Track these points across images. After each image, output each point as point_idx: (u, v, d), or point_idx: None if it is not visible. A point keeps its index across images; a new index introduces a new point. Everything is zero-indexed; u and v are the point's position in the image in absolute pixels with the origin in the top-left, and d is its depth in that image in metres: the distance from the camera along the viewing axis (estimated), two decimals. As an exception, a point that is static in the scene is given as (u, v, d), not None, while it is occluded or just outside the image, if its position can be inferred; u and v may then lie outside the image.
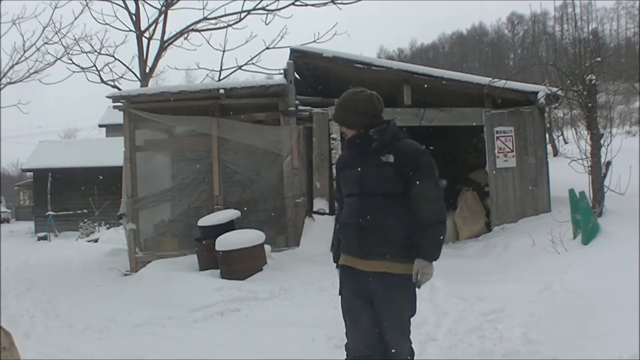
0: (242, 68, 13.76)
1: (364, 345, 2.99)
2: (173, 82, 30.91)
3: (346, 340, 3.09)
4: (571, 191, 6.95)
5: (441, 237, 2.87)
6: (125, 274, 8.89)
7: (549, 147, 15.38)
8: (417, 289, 2.92)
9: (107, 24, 13.82)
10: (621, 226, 6.54)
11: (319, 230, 8.58)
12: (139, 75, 13.29)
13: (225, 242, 7.62)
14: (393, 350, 2.93)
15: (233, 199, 9.28)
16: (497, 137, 9.74)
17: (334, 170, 3.28)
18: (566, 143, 22.50)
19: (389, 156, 2.88)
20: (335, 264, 3.18)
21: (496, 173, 9.74)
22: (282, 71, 9.65)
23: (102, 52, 14.18)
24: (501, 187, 9.75)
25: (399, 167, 2.85)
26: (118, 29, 13.94)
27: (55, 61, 15.46)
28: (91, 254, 11.99)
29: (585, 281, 5.15)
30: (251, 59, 13.65)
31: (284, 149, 9.24)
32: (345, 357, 3.12)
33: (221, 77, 13.71)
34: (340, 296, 3.10)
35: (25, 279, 9.61)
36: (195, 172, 9.49)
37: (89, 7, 14.12)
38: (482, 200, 10.29)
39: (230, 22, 13.56)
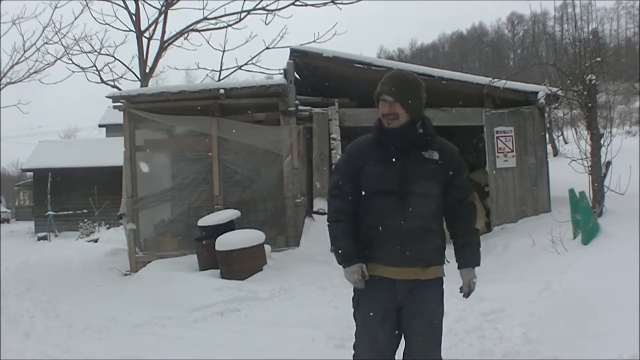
0: (242, 68, 13.77)
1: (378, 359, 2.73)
2: (173, 82, 30.93)
3: (355, 352, 2.80)
4: (571, 191, 6.95)
5: (480, 243, 2.80)
6: (125, 274, 8.89)
7: (549, 147, 15.39)
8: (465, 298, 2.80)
9: (107, 24, 13.85)
10: (621, 226, 6.54)
11: (319, 230, 8.58)
12: (139, 75, 13.30)
13: (225, 242, 7.62)
14: None
15: (233, 199, 9.28)
16: (497, 137, 9.74)
17: (342, 162, 2.80)
18: (566, 143, 22.51)
19: (433, 153, 2.62)
20: (345, 264, 2.68)
21: (496, 173, 9.75)
22: (282, 71, 9.65)
23: (102, 52, 14.20)
24: (501, 187, 9.75)
25: (442, 166, 2.62)
26: (118, 29, 13.96)
27: (55, 61, 15.49)
28: (91, 254, 12.00)
29: (585, 281, 5.14)
30: (251, 59, 13.66)
31: (284, 149, 9.24)
32: None
33: (221, 77, 13.72)
34: (356, 306, 2.75)
35: (25, 279, 9.62)
36: (195, 172, 9.49)
37: (89, 7, 14.14)
38: (482, 200, 10.29)
39: (230, 22, 13.58)
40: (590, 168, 7.79)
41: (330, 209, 2.77)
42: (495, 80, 9.42)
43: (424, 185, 2.59)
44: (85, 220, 20.01)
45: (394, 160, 2.60)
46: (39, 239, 19.18)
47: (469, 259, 2.75)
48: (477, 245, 2.77)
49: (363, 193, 2.66)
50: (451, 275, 2.79)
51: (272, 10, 13.27)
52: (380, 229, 2.62)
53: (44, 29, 15.51)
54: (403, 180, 2.57)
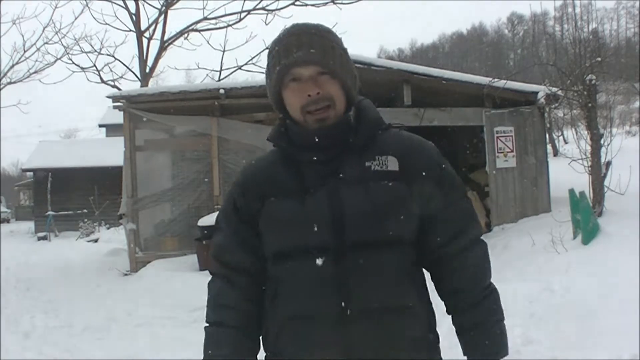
0: (242, 68, 13.80)
1: None
2: (173, 82, 30.95)
3: None
4: (571, 191, 6.95)
5: (502, 313, 1.50)
6: (125, 274, 8.89)
7: (549, 147, 15.40)
8: None
9: (107, 24, 13.90)
10: (621, 226, 6.54)
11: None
12: (139, 75, 13.32)
13: (225, 242, 7.62)
14: None
15: (233, 199, 9.27)
16: (497, 137, 9.74)
17: (225, 207, 1.54)
18: (566, 143, 22.49)
19: (385, 159, 1.40)
20: None
21: (496, 173, 9.75)
22: (282, 71, 9.65)
23: (102, 52, 14.24)
24: (501, 187, 9.75)
25: (408, 179, 1.39)
26: (118, 29, 13.99)
27: (55, 61, 15.54)
28: (91, 254, 12.00)
29: (585, 281, 5.14)
30: (251, 59, 13.70)
31: (284, 149, 9.24)
32: None
33: (221, 77, 13.74)
34: None
35: (25, 279, 9.62)
36: (195, 172, 9.50)
37: (89, 7, 14.17)
38: (482, 200, 10.29)
39: (230, 22, 13.62)
40: (590, 168, 7.79)
41: (209, 296, 1.55)
42: (495, 80, 9.42)
43: (378, 226, 1.35)
44: (85, 220, 20.02)
45: (318, 182, 1.38)
46: (39, 239, 19.19)
47: (482, 349, 1.44)
48: (496, 319, 1.47)
49: (267, 256, 1.44)
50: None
51: (272, 10, 13.30)
52: (303, 322, 1.37)
53: (44, 29, 15.58)
54: (336, 221, 1.35)
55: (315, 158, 1.41)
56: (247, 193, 1.48)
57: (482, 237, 1.51)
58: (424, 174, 1.42)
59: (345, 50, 1.46)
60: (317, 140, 1.41)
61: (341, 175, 1.39)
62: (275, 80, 1.43)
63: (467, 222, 1.47)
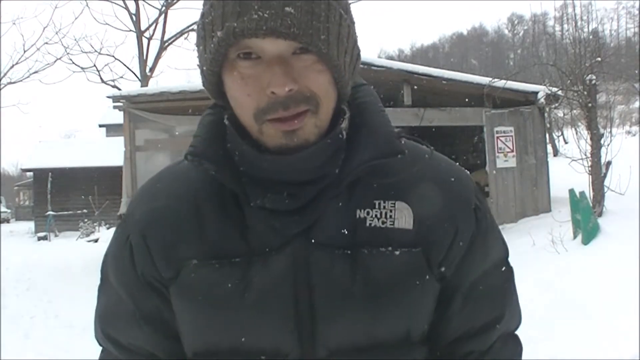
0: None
1: None
2: (173, 82, 30.97)
3: None
4: (571, 191, 6.96)
5: None
6: (125, 274, 8.89)
7: (549, 147, 15.41)
8: None
9: (107, 24, 13.95)
10: (621, 226, 6.55)
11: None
12: (139, 75, 13.34)
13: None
14: None
15: (233, 199, 9.28)
16: (497, 137, 9.74)
17: (121, 249, 0.89)
18: (566, 143, 22.50)
19: (391, 208, 0.79)
20: None
21: (496, 173, 9.75)
22: (282, 71, 9.67)
23: (102, 52, 14.27)
24: (501, 187, 9.75)
25: (430, 247, 0.79)
26: (118, 29, 14.02)
27: (55, 61, 15.56)
28: (91, 254, 12.00)
29: (586, 281, 5.15)
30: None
31: (284, 149, 9.24)
32: None
33: (221, 77, 13.77)
34: None
35: (25, 279, 9.62)
36: (195, 172, 9.51)
37: (88, 7, 14.20)
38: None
39: (230, 22, 13.62)
40: (590, 168, 7.79)
41: None
42: (495, 80, 9.42)
43: (375, 321, 0.77)
44: (85, 220, 20.02)
45: (269, 247, 0.77)
46: (39, 239, 19.20)
47: None
48: None
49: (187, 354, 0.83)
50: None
51: (272, 10, 13.31)
52: None
53: (44, 29, 15.64)
54: (303, 313, 0.76)
55: (269, 206, 0.76)
56: (152, 246, 0.82)
57: (517, 332, 0.97)
58: (453, 234, 0.81)
59: (347, 8, 0.79)
60: (278, 172, 0.77)
61: (312, 237, 0.77)
62: (214, 53, 0.74)
63: (503, 307, 0.89)
